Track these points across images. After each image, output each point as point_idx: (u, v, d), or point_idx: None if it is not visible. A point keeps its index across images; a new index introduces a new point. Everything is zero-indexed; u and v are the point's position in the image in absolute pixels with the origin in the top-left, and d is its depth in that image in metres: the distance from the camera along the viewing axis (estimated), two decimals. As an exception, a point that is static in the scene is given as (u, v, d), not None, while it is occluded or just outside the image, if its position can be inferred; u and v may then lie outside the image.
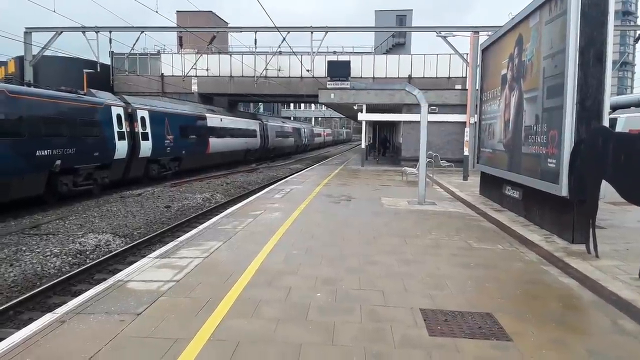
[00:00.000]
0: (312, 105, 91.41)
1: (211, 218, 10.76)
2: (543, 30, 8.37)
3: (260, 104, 65.48)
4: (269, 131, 40.81)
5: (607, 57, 7.26)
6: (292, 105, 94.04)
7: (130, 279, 5.78)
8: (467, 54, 24.82)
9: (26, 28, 29.59)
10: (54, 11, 18.59)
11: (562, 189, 7.37)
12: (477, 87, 16.87)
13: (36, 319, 5.20)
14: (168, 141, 22.84)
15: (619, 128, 17.35)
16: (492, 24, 23.22)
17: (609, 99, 7.41)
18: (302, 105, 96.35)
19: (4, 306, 6.80)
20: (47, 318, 4.56)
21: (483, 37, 18.23)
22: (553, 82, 7.89)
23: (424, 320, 4.64)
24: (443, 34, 23.10)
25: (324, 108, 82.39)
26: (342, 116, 76.82)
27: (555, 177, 7.64)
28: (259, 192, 15.73)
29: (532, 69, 8.81)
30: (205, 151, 27.43)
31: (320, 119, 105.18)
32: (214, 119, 28.88)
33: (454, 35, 23.32)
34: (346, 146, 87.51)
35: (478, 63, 15.43)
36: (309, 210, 11.06)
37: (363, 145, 28.33)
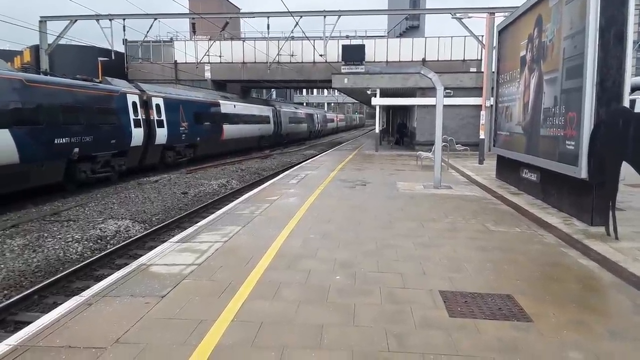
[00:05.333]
0: (325, 90, 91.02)
1: (228, 204, 10.86)
2: (563, 10, 8.23)
3: (272, 89, 65.41)
4: (282, 117, 40.79)
5: (628, 37, 7.12)
6: (304, 90, 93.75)
7: (152, 262, 5.90)
8: (483, 35, 24.49)
9: (41, 17, 29.78)
10: (70, -1, 18.70)
11: (582, 171, 7.30)
12: (493, 70, 16.67)
13: (60, 303, 5.35)
14: (183, 128, 22.98)
15: (637, 109, 17.02)
16: (508, 5, 22.79)
17: (629, 80, 7.28)
18: (315, 90, 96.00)
19: (29, 290, 6.97)
20: (75, 301, 4.68)
21: (499, 19, 17.95)
22: (573, 62, 7.77)
23: (444, 301, 4.68)
24: (458, 15, 22.78)
25: (336, 93, 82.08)
26: (355, 101, 76.47)
27: (574, 159, 7.56)
28: (273, 178, 15.80)
29: (553, 49, 8.68)
30: (219, 138, 27.55)
31: (332, 104, 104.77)
32: (228, 106, 28.95)
33: (469, 17, 22.97)
34: (359, 131, 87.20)
35: (494, 45, 15.23)
36: (324, 195, 11.11)
37: (377, 130, 28.22)
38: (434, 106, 12.98)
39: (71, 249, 9.16)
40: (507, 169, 12.24)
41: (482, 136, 18.56)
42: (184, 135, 23.11)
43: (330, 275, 5.43)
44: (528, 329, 4.10)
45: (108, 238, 10.10)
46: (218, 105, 27.66)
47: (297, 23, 26.98)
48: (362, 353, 3.67)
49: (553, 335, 3.98)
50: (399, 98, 26.43)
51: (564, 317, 4.34)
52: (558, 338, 3.93)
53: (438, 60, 33.80)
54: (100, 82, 18.00)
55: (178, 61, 36.41)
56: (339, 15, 29.24)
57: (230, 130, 28.72)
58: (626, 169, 6.49)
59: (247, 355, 3.63)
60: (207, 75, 35.69)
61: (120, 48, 34.75)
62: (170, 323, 4.17)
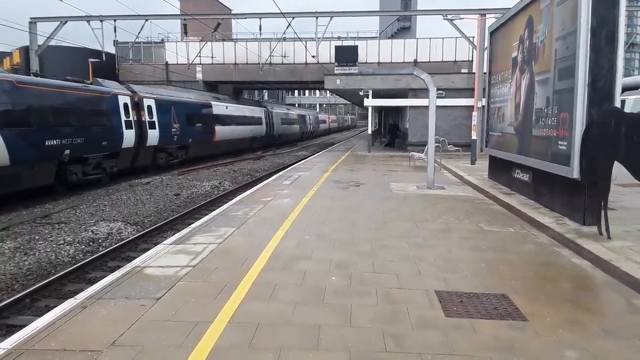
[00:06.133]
0: (317, 91, 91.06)
1: (222, 205, 10.83)
2: (555, 11, 8.29)
3: (264, 91, 65.32)
4: (274, 118, 40.73)
5: (619, 38, 7.19)
6: (296, 92, 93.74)
7: (147, 265, 5.86)
8: (474, 37, 24.63)
9: (31, 18, 29.54)
10: (61, 0, 18.53)
11: (574, 171, 7.35)
12: (484, 71, 16.77)
13: (53, 306, 5.31)
14: (175, 129, 22.89)
15: (627, 110, 17.19)
16: (499, 6, 22.95)
17: (620, 81, 7.35)
18: (307, 91, 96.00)
19: (21, 294, 6.91)
20: (69, 304, 4.63)
21: (491, 20, 18.07)
22: (565, 63, 7.83)
23: (440, 301, 4.69)
24: (450, 17, 22.89)
25: (328, 94, 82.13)
26: (347, 102, 76.58)
27: (566, 160, 7.62)
28: (266, 179, 15.78)
29: (544, 50, 8.74)
30: (211, 139, 27.46)
31: (324, 105, 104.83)
32: (220, 107, 28.86)
33: (461, 18, 23.09)
34: (351, 132, 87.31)
35: (486, 46, 15.32)
36: (318, 196, 11.11)
37: (369, 131, 28.27)
38: (425, 107, 13.04)
39: (63, 252, 9.09)
40: (499, 169, 12.31)
41: (474, 137, 18.66)
42: (175, 136, 23.01)
43: (326, 276, 5.43)
44: (524, 328, 4.13)
45: (100, 240, 10.03)
46: (210, 106, 27.57)
47: (289, 24, 26.98)
48: (359, 354, 3.67)
49: (548, 334, 4.01)
50: (391, 99, 26.51)
51: (559, 316, 4.37)
52: (553, 337, 3.96)
53: (429, 62, 33.92)
54: (91, 84, 17.88)
55: (169, 62, 36.25)
56: (331, 17, 29.27)
57: (222, 131, 28.64)
58: (618, 168, 6.55)
59: (244, 357, 3.62)
60: (199, 76, 35.59)
61: (111, 49, 34.56)
62: (166, 325, 4.15)
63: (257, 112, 36.45)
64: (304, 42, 32.00)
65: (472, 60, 30.24)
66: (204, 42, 35.30)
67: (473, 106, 20.11)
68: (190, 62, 34.97)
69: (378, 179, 14.52)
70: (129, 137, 18.90)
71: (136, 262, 6.03)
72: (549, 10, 8.54)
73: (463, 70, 30.42)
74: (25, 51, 30.49)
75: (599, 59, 7.19)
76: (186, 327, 4.09)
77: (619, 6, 7.11)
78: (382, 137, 40.42)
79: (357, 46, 12.73)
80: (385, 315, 4.37)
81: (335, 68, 12.17)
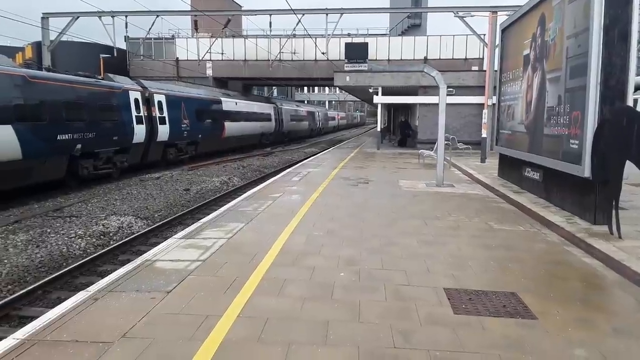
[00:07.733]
0: (326, 88, 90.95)
1: (231, 201, 10.88)
2: (566, 9, 8.23)
3: (274, 87, 65.33)
4: (284, 115, 40.77)
5: (632, 36, 7.13)
6: (305, 88, 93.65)
7: (157, 258, 5.91)
8: (485, 34, 24.46)
9: (43, 13, 29.78)
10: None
11: (585, 170, 7.30)
12: (495, 68, 16.67)
13: (64, 298, 5.37)
14: (185, 125, 22.99)
15: (639, 109, 17.03)
16: (511, 4, 22.74)
17: (633, 79, 7.29)
18: (316, 88, 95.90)
19: (32, 286, 6.99)
20: (81, 296, 4.69)
21: (502, 17, 17.95)
22: (576, 61, 7.77)
23: (448, 299, 4.69)
24: (461, 14, 22.77)
25: (337, 91, 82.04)
26: (356, 99, 76.46)
27: (577, 158, 7.57)
28: (275, 175, 15.82)
29: (555, 48, 8.68)
30: (221, 135, 27.55)
31: (334, 102, 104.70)
32: (229, 103, 28.94)
33: (472, 16, 22.97)
34: (360, 129, 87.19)
35: (497, 43, 15.23)
36: (327, 193, 11.12)
37: (378, 129, 28.20)
38: (435, 104, 12.98)
39: (74, 245, 9.18)
40: (510, 167, 12.25)
41: (484, 135, 18.57)
42: (185, 132, 23.12)
43: (335, 272, 5.44)
44: (533, 326, 4.12)
45: (111, 234, 10.11)
46: (219, 102, 27.65)
47: (299, 21, 26.96)
48: (368, 349, 3.68)
49: (558, 332, 4.00)
50: (401, 96, 26.41)
51: (569, 314, 4.35)
52: (563, 335, 3.95)
53: (440, 59, 33.68)
54: (102, 79, 18.00)
55: (180, 58, 36.36)
56: (341, 13, 29.17)
57: (231, 127, 28.72)
58: (629, 168, 6.50)
59: (253, 351, 3.65)
60: (209, 72, 35.62)
61: (122, 45, 34.73)
62: (177, 318, 4.19)
63: (267, 108, 36.50)
64: (314, 39, 31.93)
65: (483, 58, 30.08)
66: (214, 39, 35.34)
67: (483, 104, 20.02)
68: (200, 58, 35.04)
69: (387, 176, 14.51)
70: (139, 132, 19.01)
71: (147, 255, 6.09)
72: (561, 7, 8.47)
73: (474, 68, 30.22)
74: (37, 46, 30.72)
75: (611, 57, 7.14)
76: (196, 321, 4.12)
77: (632, 4, 7.04)
78: (391, 135, 40.20)
79: (367, 43, 12.70)
80: (394, 312, 4.38)
81: (345, 65, 12.15)
